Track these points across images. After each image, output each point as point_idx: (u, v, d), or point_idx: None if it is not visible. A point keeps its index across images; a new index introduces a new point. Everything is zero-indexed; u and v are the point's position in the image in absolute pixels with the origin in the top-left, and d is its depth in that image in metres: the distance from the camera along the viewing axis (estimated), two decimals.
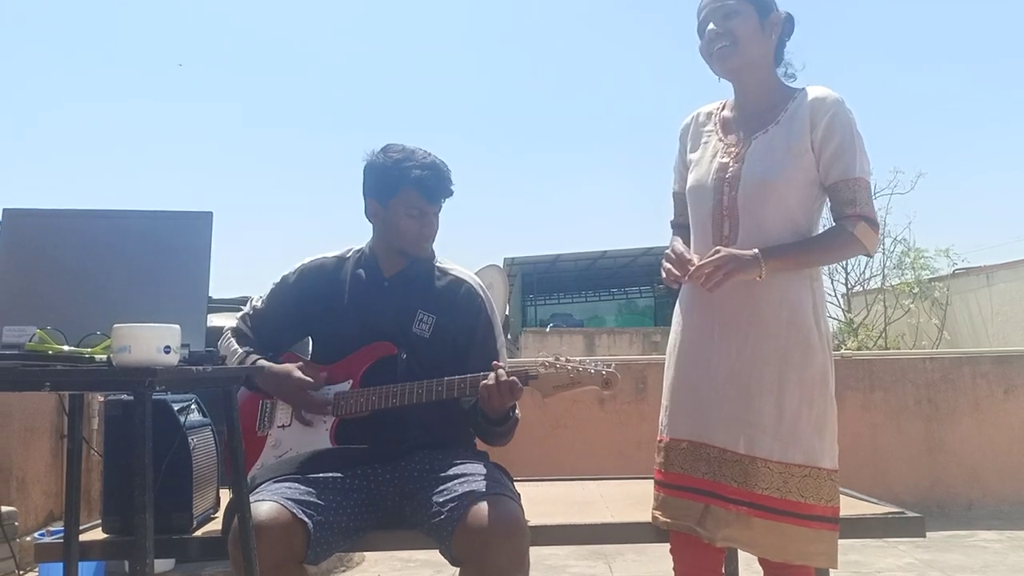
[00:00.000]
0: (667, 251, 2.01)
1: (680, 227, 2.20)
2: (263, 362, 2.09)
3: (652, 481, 2.10)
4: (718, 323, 1.97)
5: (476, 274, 2.31)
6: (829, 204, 1.98)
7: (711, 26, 1.98)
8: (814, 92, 1.97)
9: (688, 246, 2.05)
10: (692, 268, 1.90)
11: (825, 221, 2.05)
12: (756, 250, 1.87)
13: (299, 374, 2.07)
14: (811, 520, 1.85)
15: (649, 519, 2.07)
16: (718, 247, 1.89)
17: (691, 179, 2.07)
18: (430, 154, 2.12)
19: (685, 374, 2.04)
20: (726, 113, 2.10)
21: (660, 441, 2.07)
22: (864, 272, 15.69)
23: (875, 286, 15.32)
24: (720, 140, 2.05)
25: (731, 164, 1.98)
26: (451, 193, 2.14)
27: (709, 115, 2.13)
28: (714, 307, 1.97)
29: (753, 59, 1.99)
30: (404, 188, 2.07)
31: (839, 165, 1.92)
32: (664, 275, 2.00)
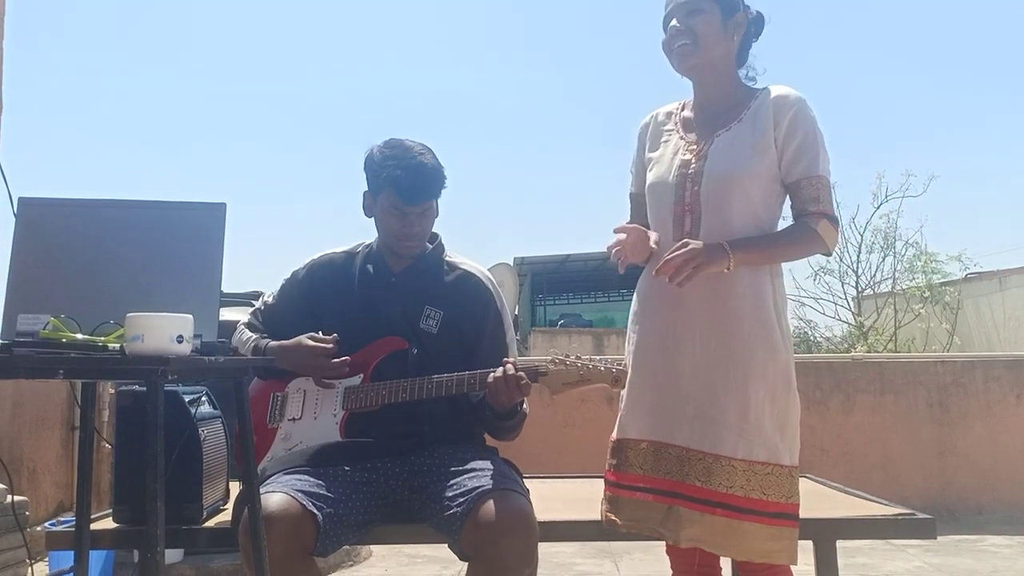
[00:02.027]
0: (617, 225, 1.93)
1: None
2: (274, 343, 2.11)
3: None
4: (680, 319, 1.95)
5: None
6: (790, 201, 1.98)
7: (673, 22, 1.98)
8: (776, 90, 1.98)
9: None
10: (660, 262, 1.85)
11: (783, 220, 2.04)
12: (723, 242, 1.86)
13: (311, 342, 2.07)
14: (773, 517, 1.84)
15: None
16: (686, 239, 1.87)
17: (651, 176, 2.06)
18: (423, 153, 2.08)
19: (645, 372, 2.01)
20: (686, 113, 2.09)
21: (615, 441, 2.04)
22: (875, 275, 15.64)
23: (886, 289, 15.26)
24: (681, 138, 2.05)
25: (693, 161, 1.98)
26: (434, 195, 2.11)
27: (669, 115, 2.13)
28: (675, 303, 1.95)
29: (713, 59, 1.99)
30: (385, 187, 2.07)
31: (802, 163, 1.92)
32: (614, 251, 1.90)
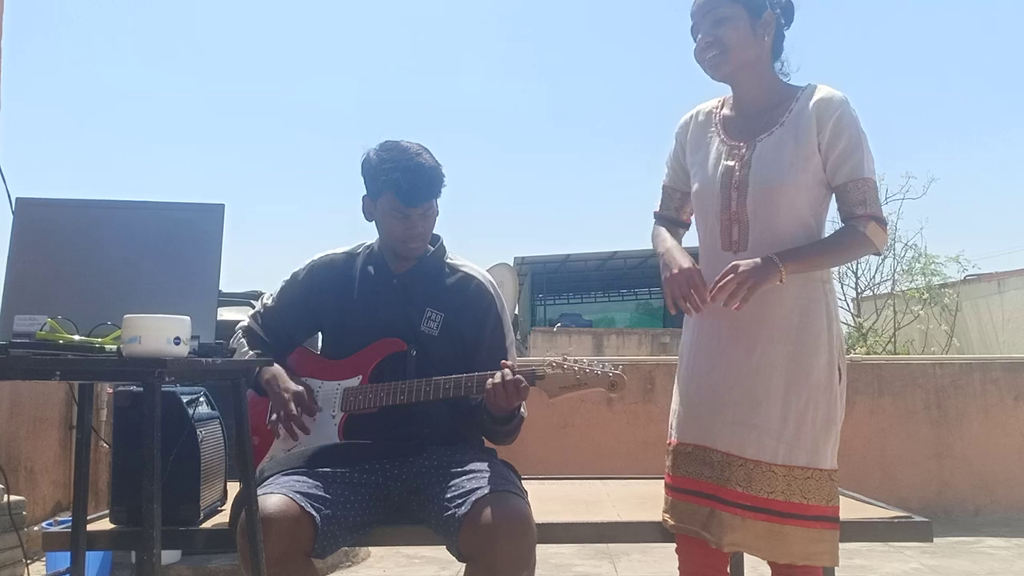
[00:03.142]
0: (673, 273, 1.92)
1: (664, 219, 2.18)
2: (275, 366, 2.10)
3: (658, 482, 2.11)
4: (726, 328, 1.95)
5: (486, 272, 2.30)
6: (837, 204, 1.97)
7: (700, 34, 1.96)
8: (819, 92, 1.95)
9: (675, 240, 2.06)
10: (714, 288, 1.84)
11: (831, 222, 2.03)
12: (772, 255, 1.84)
13: (293, 386, 2.07)
14: (814, 520, 1.85)
15: (655, 519, 2.08)
16: (736, 263, 1.84)
17: (696, 183, 2.05)
18: (420, 153, 2.08)
19: (694, 378, 2.03)
20: (726, 112, 2.07)
21: (669, 444, 2.07)
22: (874, 277, 15.64)
23: (885, 291, 15.26)
24: (723, 142, 2.02)
25: (737, 168, 1.96)
26: (434, 195, 2.10)
27: (709, 114, 2.10)
28: (723, 312, 1.93)
29: (746, 63, 1.97)
30: (385, 190, 2.07)
31: (847, 166, 1.90)
32: (672, 304, 1.92)
